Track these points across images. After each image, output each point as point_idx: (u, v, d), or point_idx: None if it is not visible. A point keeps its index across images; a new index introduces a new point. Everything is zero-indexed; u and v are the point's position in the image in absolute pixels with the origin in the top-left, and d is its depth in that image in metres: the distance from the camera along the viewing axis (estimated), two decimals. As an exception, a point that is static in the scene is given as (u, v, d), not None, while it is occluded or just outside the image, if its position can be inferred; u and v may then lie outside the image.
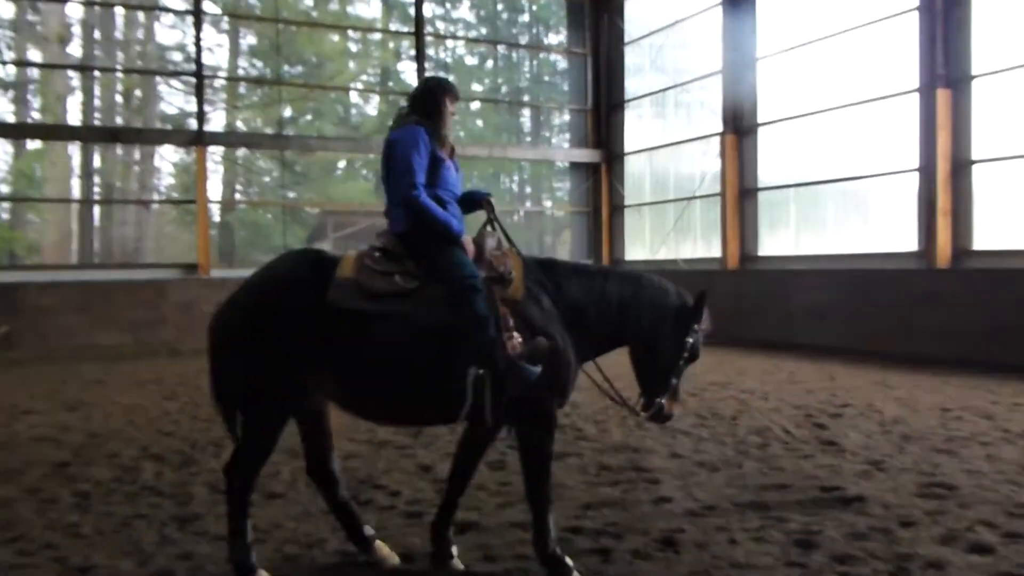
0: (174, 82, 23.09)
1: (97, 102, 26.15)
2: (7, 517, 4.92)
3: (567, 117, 21.48)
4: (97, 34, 26.08)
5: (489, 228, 4.04)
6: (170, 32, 25.19)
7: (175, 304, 14.52)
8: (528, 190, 26.83)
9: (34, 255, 26.70)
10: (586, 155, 19.56)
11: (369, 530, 4.13)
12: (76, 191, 26.85)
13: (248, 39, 28.41)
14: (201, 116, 16.56)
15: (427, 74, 17.70)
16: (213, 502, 5.11)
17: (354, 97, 26.54)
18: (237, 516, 3.77)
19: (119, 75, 24.99)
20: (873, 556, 4.07)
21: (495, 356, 3.62)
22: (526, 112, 24.56)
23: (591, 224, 19.67)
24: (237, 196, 26.59)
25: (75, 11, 25.54)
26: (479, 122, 25.44)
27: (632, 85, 19.23)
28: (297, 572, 4.03)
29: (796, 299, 13.59)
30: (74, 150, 25.18)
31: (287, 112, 23.44)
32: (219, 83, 21.94)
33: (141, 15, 23.61)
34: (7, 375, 11.32)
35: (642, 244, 18.96)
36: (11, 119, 23.78)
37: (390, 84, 25.63)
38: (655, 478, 5.58)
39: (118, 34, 26.83)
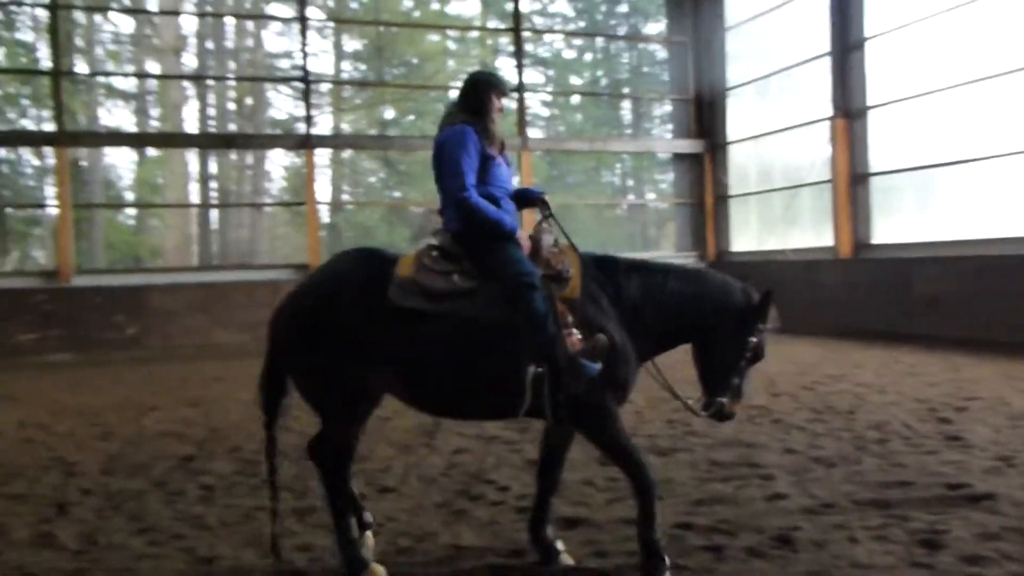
0: (282, 88, 23.80)
1: (211, 110, 27.22)
2: (137, 509, 5.12)
3: (668, 107, 21.17)
4: (210, 44, 27.15)
5: (545, 225, 4.00)
6: (277, 40, 25.98)
7: (288, 303, 14.96)
8: (630, 183, 26.59)
9: (158, 258, 27.98)
10: (689, 145, 19.23)
11: (369, 517, 4.16)
12: (195, 196, 28.04)
13: (351, 43, 29.06)
14: (308, 120, 17.02)
15: (524, 69, 17.73)
16: (329, 496, 5.25)
17: (454, 96, 26.81)
18: (338, 513, 3.87)
19: (231, 83, 25.95)
20: (1007, 557, 3.86)
21: (555, 354, 3.60)
22: (626, 104, 24.35)
23: (695, 215, 19.33)
24: (344, 197, 27.22)
25: (189, 23, 26.62)
26: (579, 116, 25.36)
27: (735, 72, 18.78)
28: (411, 565, 4.07)
29: (914, 288, 13.03)
30: (191, 157, 26.29)
31: (390, 113, 23.88)
32: (324, 87, 22.54)
33: (251, 24, 24.46)
34: (134, 373, 11.89)
35: (749, 234, 18.52)
36: (133, 129, 25.02)
37: (490, 81, 25.78)
38: (769, 474, 5.44)
39: (229, 43, 27.84)
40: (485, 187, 3.87)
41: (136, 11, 24.52)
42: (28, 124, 24.36)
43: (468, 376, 3.72)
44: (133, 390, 10.20)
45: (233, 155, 27.13)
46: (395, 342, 3.68)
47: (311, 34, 17.15)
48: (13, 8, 25.53)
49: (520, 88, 17.41)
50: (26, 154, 28.57)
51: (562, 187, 24.46)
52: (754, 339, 3.91)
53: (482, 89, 4.01)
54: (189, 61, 27.07)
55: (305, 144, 16.80)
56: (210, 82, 25.86)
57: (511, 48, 18.57)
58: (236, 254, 26.68)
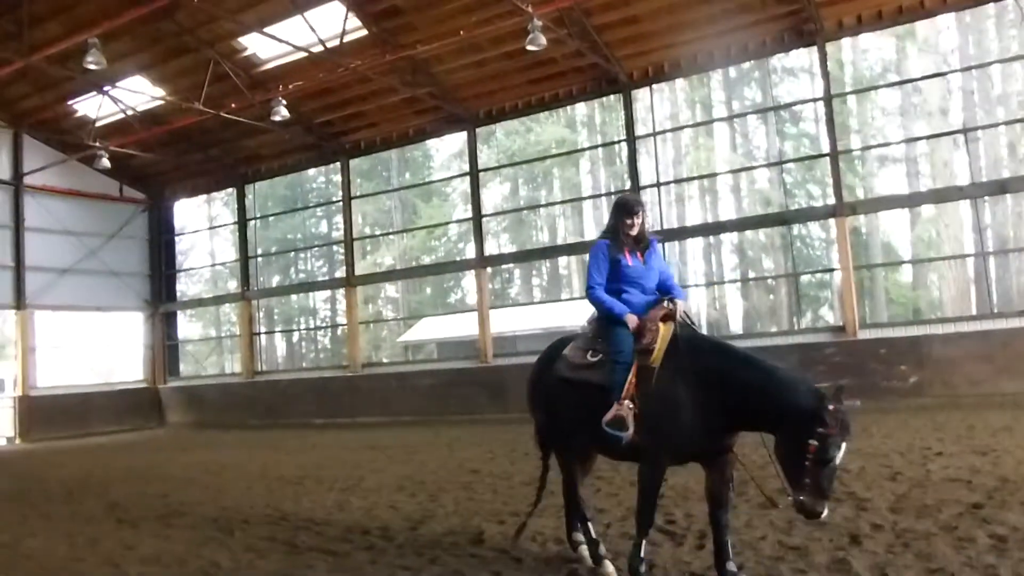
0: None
1: (982, 159, 24.94)
2: (926, 549, 4.80)
3: None
4: (975, 96, 25.14)
5: (668, 304, 4.52)
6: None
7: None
8: None
9: (936, 310, 26.66)
10: None
11: (591, 528, 5.03)
12: (969, 246, 25.89)
13: None
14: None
15: None
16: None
17: None
18: (583, 528, 4.98)
19: (1000, 129, 23.56)
20: None
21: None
22: None
23: None
24: None
25: (954, 80, 25.17)
26: None
27: None
28: None
29: None
30: (964, 208, 24.38)
31: None
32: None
33: (1018, 66, 21.84)
34: (918, 420, 11.22)
35: None
36: (904, 191, 24.45)
37: None
38: None
39: (996, 90, 25.35)
40: (615, 284, 4.75)
41: (903, 82, 24.17)
42: (814, 203, 25.82)
43: (597, 425, 4.42)
44: (917, 436, 9.61)
45: (1008, 200, 24.33)
46: (560, 400, 4.84)
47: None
48: (797, 107, 27.74)
49: None
50: (813, 228, 30.49)
51: None
52: (813, 441, 3.74)
53: (614, 215, 4.83)
54: (955, 117, 25.51)
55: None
56: (979, 133, 23.81)
57: None
58: (1019, 300, 23.65)
